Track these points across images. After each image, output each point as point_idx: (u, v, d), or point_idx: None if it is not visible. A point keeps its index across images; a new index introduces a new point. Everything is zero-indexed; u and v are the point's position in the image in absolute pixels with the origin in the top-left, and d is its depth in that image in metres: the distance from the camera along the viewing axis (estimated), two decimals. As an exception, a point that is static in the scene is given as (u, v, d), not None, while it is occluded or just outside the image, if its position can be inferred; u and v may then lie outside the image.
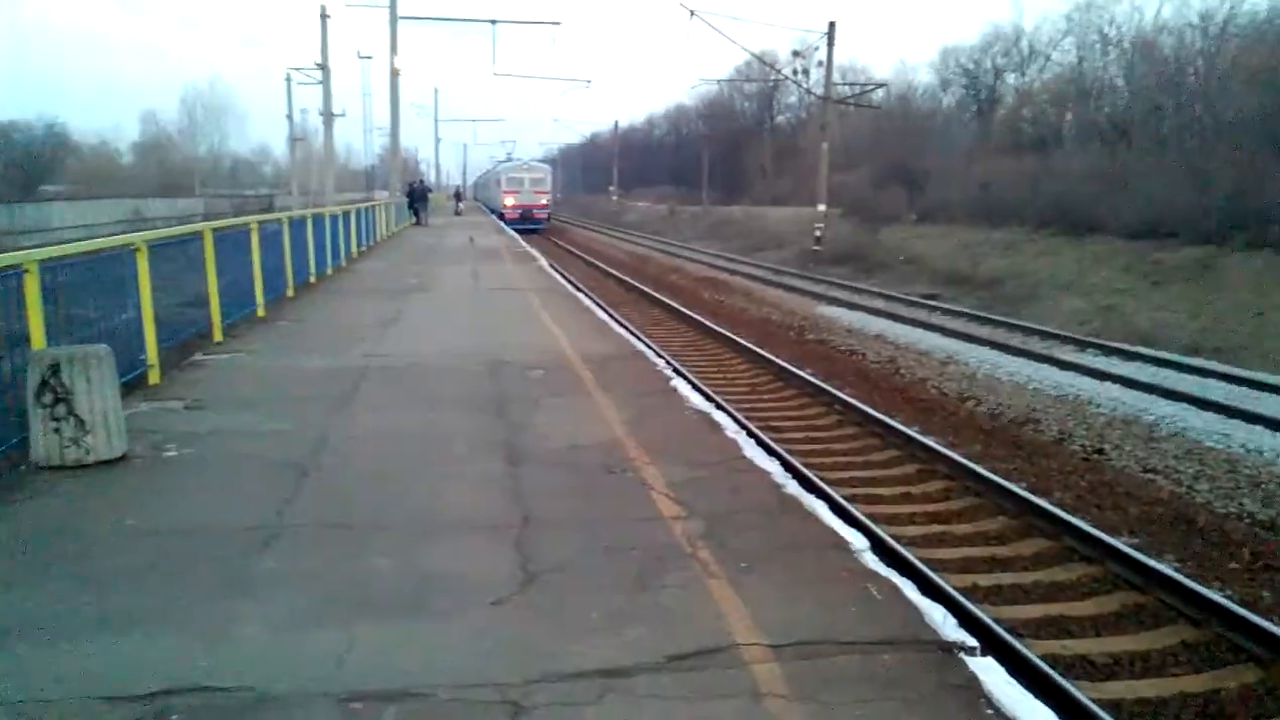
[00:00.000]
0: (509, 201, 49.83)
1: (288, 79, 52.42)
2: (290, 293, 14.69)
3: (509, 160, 61.25)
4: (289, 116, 56.39)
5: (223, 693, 3.32)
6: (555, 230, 54.01)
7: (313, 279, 16.61)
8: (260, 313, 12.52)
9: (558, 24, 40.62)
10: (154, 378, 8.19)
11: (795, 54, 40.10)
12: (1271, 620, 5.88)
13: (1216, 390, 13.15)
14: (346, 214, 21.87)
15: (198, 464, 5.98)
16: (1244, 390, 13.22)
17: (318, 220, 17.86)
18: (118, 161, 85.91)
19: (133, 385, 7.65)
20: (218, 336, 10.48)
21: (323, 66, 35.42)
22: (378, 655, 3.59)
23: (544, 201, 51.32)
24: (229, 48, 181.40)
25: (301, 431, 6.73)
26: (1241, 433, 10.63)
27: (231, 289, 11.34)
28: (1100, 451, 9.97)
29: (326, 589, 4.16)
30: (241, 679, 3.40)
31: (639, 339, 12.49)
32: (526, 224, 47.51)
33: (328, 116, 35.86)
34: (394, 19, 32.45)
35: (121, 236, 9.00)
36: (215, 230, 10.95)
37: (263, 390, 8.17)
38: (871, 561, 4.61)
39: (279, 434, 6.69)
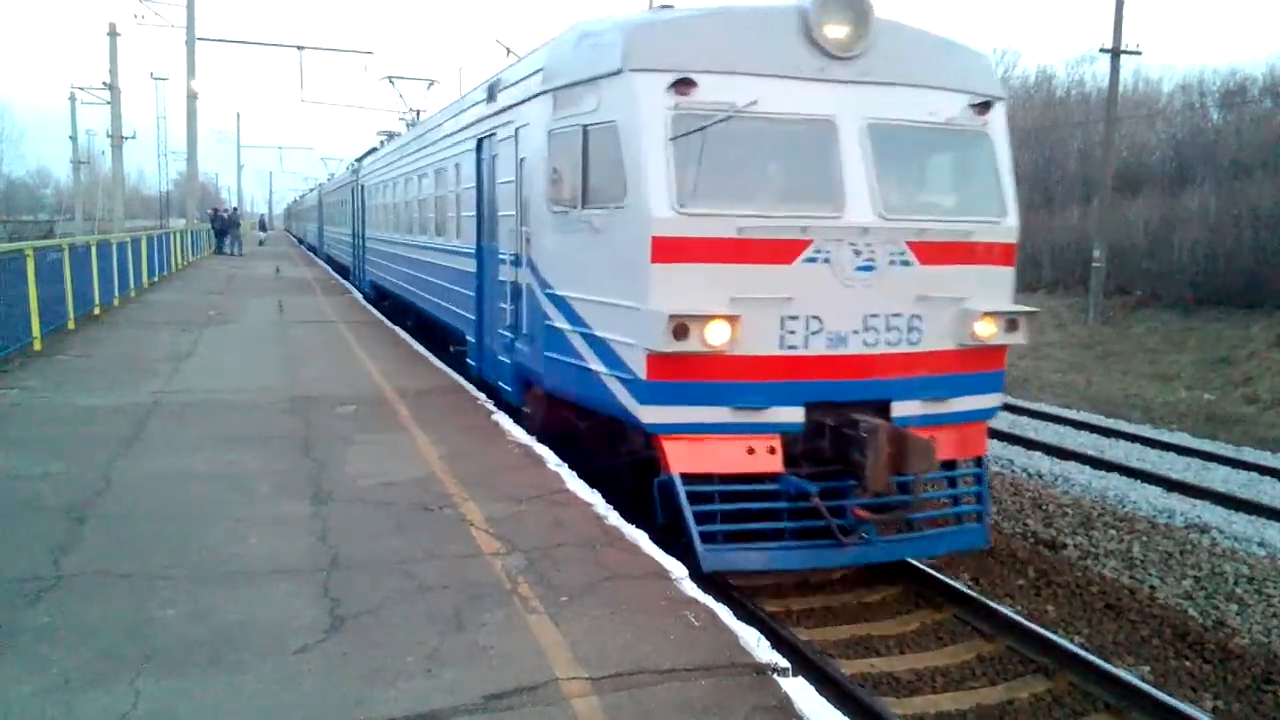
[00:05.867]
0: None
1: (72, 98, 48.83)
2: (71, 325, 13.52)
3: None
4: (73, 138, 52.39)
5: (-23, 768, 2.94)
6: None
7: (97, 310, 15.35)
8: (37, 345, 11.45)
9: (370, 53, 39.15)
10: (-98, 418, 7.30)
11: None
12: (1055, 633, 6.37)
13: (999, 419, 14.27)
14: (136, 241, 20.43)
15: (-46, 512, 5.34)
16: (1024, 419, 14.43)
17: (103, 247, 16.55)
18: None
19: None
20: (-17, 372, 9.51)
21: (111, 86, 33.05)
22: (166, 713, 3.29)
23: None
24: (4, 61, 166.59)
25: (81, 474, 6.15)
26: (1022, 458, 11.56)
27: (2, 321, 10.35)
28: (899, 478, 10.53)
29: (106, 644, 3.79)
30: (1, 751, 3.03)
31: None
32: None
33: (117, 139, 33.40)
34: (191, 39, 30.75)
35: None
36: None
37: (38, 430, 7.43)
38: (690, 589, 4.65)
39: (55, 477, 6.09)
